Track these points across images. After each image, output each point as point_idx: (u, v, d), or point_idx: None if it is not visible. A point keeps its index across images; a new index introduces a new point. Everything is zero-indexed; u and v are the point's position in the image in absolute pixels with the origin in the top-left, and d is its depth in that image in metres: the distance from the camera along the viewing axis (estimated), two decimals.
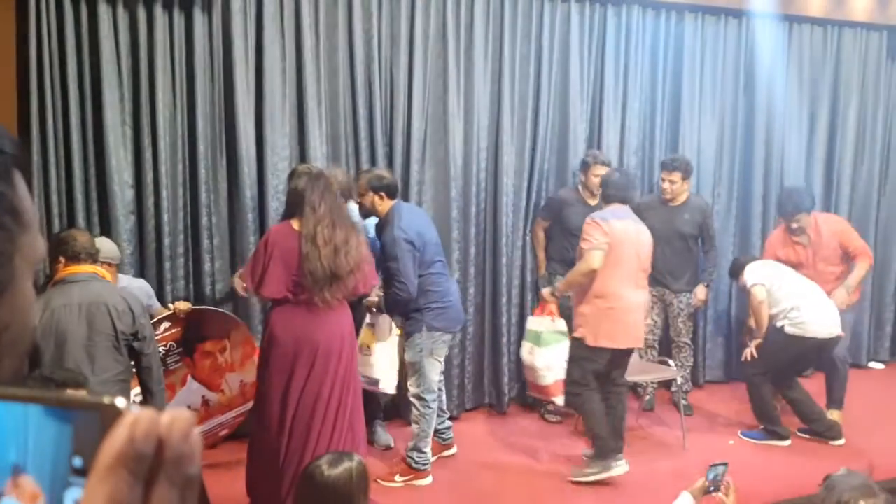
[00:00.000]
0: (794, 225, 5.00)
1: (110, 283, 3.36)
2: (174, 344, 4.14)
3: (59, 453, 0.51)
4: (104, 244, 3.59)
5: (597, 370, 4.13)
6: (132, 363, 3.28)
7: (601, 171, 4.82)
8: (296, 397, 3.51)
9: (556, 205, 5.13)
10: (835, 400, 5.11)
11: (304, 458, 3.40)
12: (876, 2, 6.00)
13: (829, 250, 5.10)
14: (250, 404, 4.32)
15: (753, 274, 4.81)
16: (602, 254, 3.97)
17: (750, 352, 4.80)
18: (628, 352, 4.25)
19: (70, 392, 0.58)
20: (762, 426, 4.87)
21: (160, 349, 4.02)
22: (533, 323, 4.55)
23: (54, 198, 4.14)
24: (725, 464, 2.86)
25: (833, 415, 5.02)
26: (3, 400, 0.52)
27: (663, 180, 5.14)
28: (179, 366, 4.17)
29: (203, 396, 4.27)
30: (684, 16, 5.59)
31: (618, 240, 4.00)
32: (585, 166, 5.05)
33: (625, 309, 4.05)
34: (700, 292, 5.31)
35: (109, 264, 3.55)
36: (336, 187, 3.67)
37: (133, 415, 0.49)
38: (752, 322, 5.00)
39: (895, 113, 6.46)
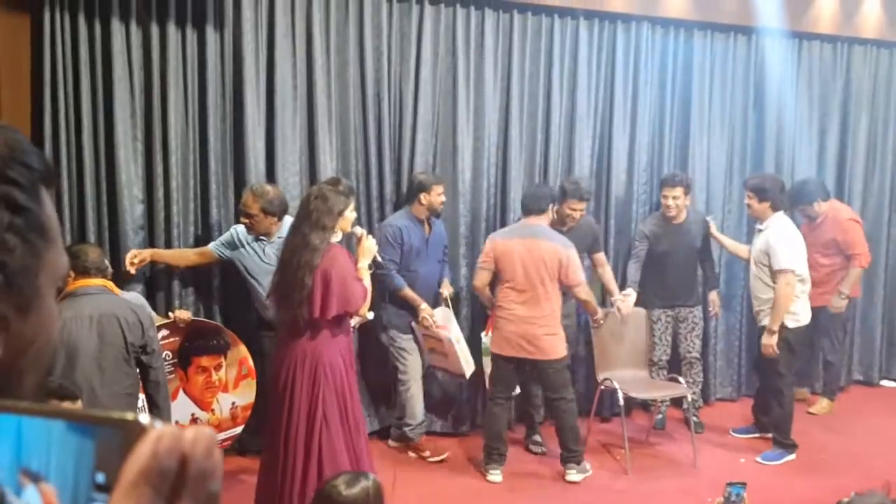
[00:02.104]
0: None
1: (119, 296, 3.36)
2: (170, 353, 4.04)
3: (81, 469, 0.51)
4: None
5: (500, 377, 4.46)
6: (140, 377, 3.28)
7: (578, 205, 4.70)
8: (272, 419, 3.56)
9: None
10: (826, 391, 5.67)
11: (282, 492, 3.41)
12: (886, 18, 6.00)
13: (823, 240, 5.24)
14: (239, 429, 4.30)
15: (789, 256, 4.64)
16: (486, 272, 4.44)
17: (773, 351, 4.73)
18: (534, 364, 4.38)
19: (99, 410, 0.58)
20: (776, 440, 4.84)
21: None
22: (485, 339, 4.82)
23: (66, 212, 4.16)
24: (744, 484, 2.84)
25: (822, 402, 5.60)
26: (26, 415, 0.52)
27: (666, 197, 5.07)
28: (172, 377, 4.01)
29: (192, 414, 4.16)
30: (693, 33, 5.60)
31: (499, 256, 4.37)
32: (563, 195, 4.75)
33: (507, 319, 4.35)
34: (716, 299, 5.37)
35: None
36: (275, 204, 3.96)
37: (157, 431, 0.49)
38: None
39: None
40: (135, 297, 3.93)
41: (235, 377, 4.28)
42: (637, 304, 5.17)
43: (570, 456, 4.43)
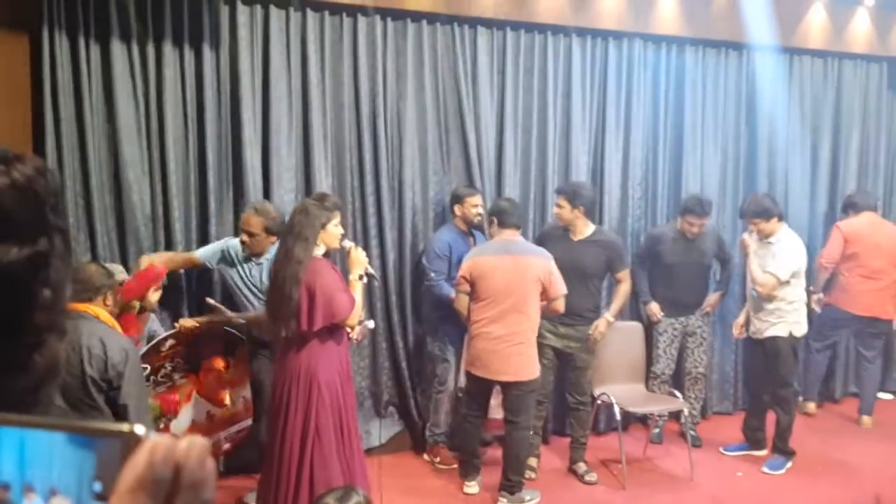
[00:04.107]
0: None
1: (101, 323, 3.09)
2: (181, 360, 4.15)
3: (83, 479, 0.53)
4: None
5: (473, 395, 4.38)
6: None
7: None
8: (272, 437, 3.59)
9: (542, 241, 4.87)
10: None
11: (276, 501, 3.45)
12: (875, 33, 6.07)
13: None
14: (250, 421, 4.39)
15: (787, 266, 4.74)
16: (464, 296, 4.26)
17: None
18: (505, 385, 4.22)
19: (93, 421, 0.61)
20: (780, 448, 4.88)
21: (167, 365, 3.96)
22: None
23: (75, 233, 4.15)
24: None
25: (808, 406, 5.88)
26: (29, 428, 0.54)
27: (692, 224, 5.02)
28: (185, 382, 4.17)
29: (208, 411, 4.30)
30: (685, 48, 5.65)
31: (478, 276, 4.16)
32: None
33: (484, 339, 4.16)
34: (713, 298, 5.29)
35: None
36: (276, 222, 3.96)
37: (152, 441, 0.51)
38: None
39: None
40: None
41: (242, 372, 4.38)
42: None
43: (507, 485, 4.28)
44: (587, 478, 4.65)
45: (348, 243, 3.73)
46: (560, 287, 4.22)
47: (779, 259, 4.73)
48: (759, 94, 5.86)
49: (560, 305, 4.28)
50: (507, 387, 4.23)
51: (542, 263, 4.18)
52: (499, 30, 5.14)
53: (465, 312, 4.27)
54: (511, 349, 4.14)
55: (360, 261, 3.68)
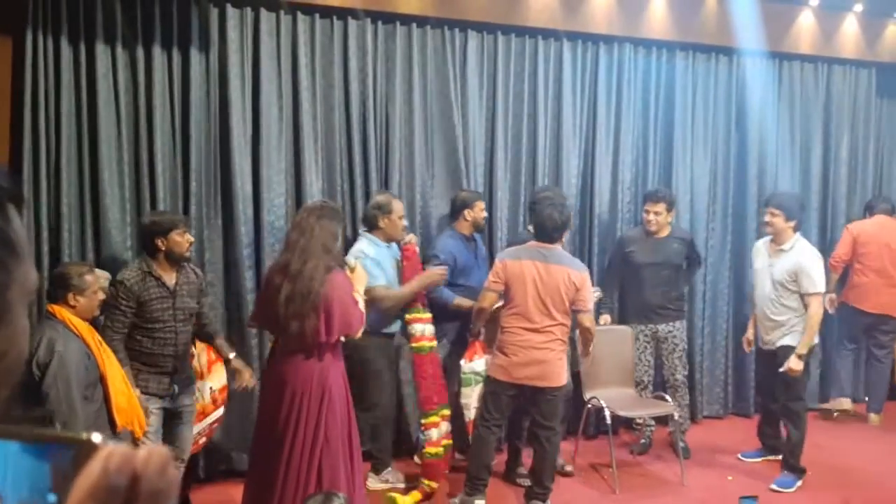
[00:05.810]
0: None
1: (57, 322, 3.18)
2: None
3: (35, 491, 0.51)
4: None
5: (498, 403, 4.18)
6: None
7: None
8: (268, 439, 3.55)
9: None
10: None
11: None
12: (864, 38, 6.10)
13: None
14: (221, 411, 4.32)
15: (821, 278, 4.64)
16: (493, 294, 4.20)
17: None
18: (534, 391, 4.16)
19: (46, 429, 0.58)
20: (791, 465, 4.70)
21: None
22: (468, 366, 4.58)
23: (45, 234, 4.09)
24: (756, 497, 2.86)
25: (843, 402, 5.95)
26: None
27: (647, 212, 5.06)
28: None
29: None
30: (675, 53, 5.66)
31: (511, 279, 4.12)
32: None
33: (517, 346, 4.10)
34: None
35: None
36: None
37: (107, 449, 0.49)
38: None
39: (886, 147, 6.53)
40: None
41: (207, 363, 4.29)
42: (616, 320, 5.22)
43: (541, 493, 4.20)
44: (567, 468, 4.72)
45: (352, 261, 3.79)
46: (588, 301, 4.17)
47: (809, 276, 4.58)
48: (748, 98, 5.88)
49: (586, 320, 4.19)
50: (538, 392, 4.14)
51: (574, 273, 4.10)
52: (489, 33, 5.14)
53: (487, 314, 4.25)
54: (549, 355, 4.09)
55: (363, 276, 3.77)
